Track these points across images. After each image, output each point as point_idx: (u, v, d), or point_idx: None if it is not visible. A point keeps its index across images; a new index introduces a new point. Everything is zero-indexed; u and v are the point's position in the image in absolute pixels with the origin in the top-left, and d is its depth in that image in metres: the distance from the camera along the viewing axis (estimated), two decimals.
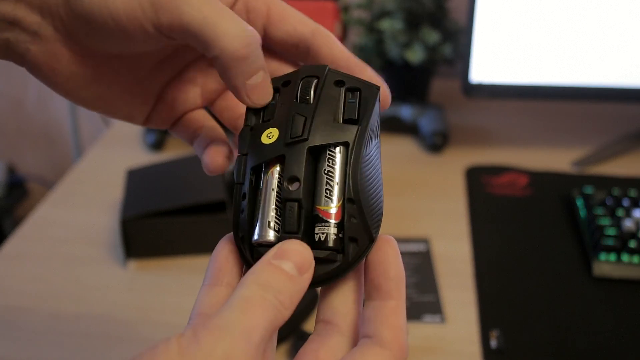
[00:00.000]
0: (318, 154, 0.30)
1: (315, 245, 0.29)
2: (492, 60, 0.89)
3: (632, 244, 0.71)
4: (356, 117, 0.30)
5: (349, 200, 0.29)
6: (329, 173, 0.29)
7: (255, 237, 0.29)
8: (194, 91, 0.37)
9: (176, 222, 0.73)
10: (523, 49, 0.89)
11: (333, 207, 0.29)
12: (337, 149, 0.30)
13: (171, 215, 0.73)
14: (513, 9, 0.87)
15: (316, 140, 0.29)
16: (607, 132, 1.00)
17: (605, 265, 0.71)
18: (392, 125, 1.01)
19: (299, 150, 0.29)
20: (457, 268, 0.73)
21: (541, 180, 0.88)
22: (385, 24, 0.93)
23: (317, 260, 0.28)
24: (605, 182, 0.87)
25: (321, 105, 0.30)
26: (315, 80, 0.31)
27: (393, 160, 0.94)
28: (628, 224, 0.73)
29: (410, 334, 0.63)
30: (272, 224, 0.29)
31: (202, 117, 0.37)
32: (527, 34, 0.88)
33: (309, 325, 0.64)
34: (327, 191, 0.29)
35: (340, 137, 0.30)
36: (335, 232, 0.29)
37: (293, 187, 0.29)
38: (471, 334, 0.65)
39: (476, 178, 0.89)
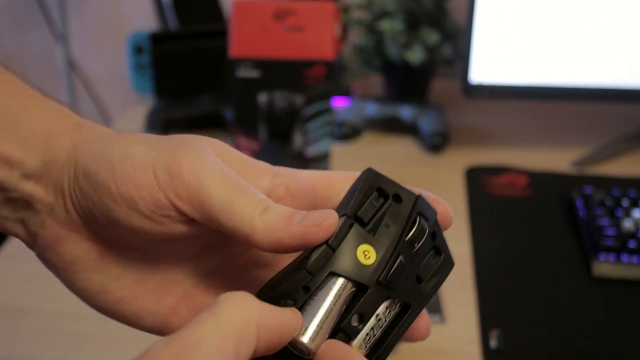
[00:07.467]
0: None
1: None
2: (492, 61, 0.90)
3: (632, 244, 0.71)
4: (423, 280, 0.30)
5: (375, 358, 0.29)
6: (380, 322, 0.29)
7: (306, 339, 0.27)
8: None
9: None
10: (523, 49, 0.89)
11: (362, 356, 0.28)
12: (399, 304, 0.29)
13: None
14: (513, 10, 0.87)
15: (401, 294, 0.29)
16: (607, 132, 1.00)
17: (605, 265, 0.71)
18: (392, 126, 1.01)
19: (382, 294, 0.28)
20: (457, 268, 0.73)
21: (541, 180, 0.88)
22: (385, 25, 0.93)
23: None
24: (604, 182, 0.87)
25: (420, 258, 0.30)
26: (428, 231, 0.30)
27: (393, 161, 0.94)
28: (627, 224, 0.74)
29: None
30: (318, 335, 0.28)
31: None
32: (527, 34, 0.88)
33: None
34: (367, 337, 0.28)
35: (409, 297, 0.29)
36: None
37: (356, 321, 0.28)
38: (471, 334, 0.65)
39: (476, 178, 0.89)
